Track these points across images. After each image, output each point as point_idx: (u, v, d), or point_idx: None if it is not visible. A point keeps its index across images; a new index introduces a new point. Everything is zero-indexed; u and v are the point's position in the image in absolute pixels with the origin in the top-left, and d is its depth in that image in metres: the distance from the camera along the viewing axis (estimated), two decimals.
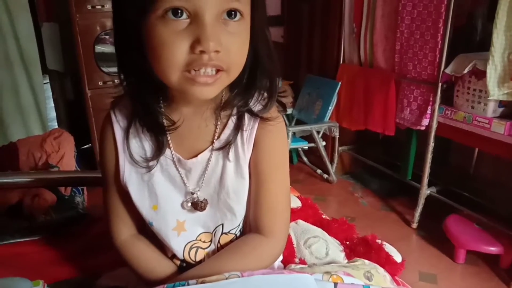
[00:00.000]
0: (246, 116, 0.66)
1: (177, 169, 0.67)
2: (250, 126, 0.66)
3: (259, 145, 0.67)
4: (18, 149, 1.81)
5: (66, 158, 1.86)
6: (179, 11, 0.53)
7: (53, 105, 3.20)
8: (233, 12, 0.56)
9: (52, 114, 3.25)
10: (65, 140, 1.95)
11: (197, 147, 0.67)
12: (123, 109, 0.67)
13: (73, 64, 2.71)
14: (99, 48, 2.58)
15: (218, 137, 0.66)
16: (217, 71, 0.56)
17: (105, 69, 2.55)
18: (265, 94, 0.66)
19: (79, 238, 1.12)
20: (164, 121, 0.64)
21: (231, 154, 0.66)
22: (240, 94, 0.65)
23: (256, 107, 0.66)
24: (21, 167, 1.75)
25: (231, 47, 0.56)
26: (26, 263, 0.96)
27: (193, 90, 0.57)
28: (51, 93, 3.16)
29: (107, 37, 2.71)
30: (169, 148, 0.66)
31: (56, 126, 3.10)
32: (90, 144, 2.73)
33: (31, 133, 2.77)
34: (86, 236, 1.13)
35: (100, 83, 2.56)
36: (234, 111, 0.66)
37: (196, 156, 0.67)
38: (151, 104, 0.63)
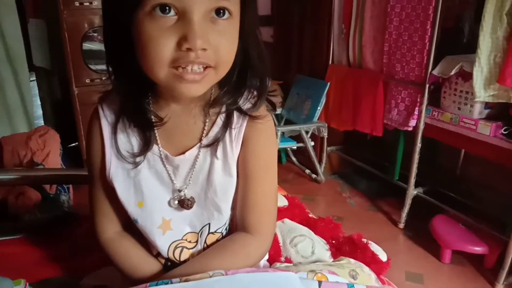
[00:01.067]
0: (235, 114, 0.66)
1: (165, 166, 0.67)
2: (239, 124, 0.66)
3: (247, 143, 0.67)
4: (2, 146, 1.78)
5: (52, 156, 1.84)
6: (167, 7, 0.53)
7: (39, 103, 3.16)
8: (221, 11, 0.55)
9: (39, 112, 3.21)
10: (50, 138, 1.92)
11: (185, 144, 0.67)
12: (111, 104, 0.66)
13: (60, 61, 2.67)
14: (87, 46, 2.55)
15: (206, 134, 0.66)
16: (205, 68, 0.56)
17: (92, 67, 2.52)
18: (255, 93, 0.66)
19: (64, 237, 1.10)
20: (152, 117, 0.64)
21: (219, 152, 0.66)
22: (230, 92, 0.65)
23: (245, 105, 0.66)
24: (6, 165, 1.73)
25: (219, 45, 0.56)
26: (8, 262, 0.94)
27: (181, 87, 0.57)
28: (37, 91, 3.13)
29: (95, 34, 2.68)
30: (157, 144, 0.66)
31: (43, 124, 3.06)
32: (76, 143, 2.70)
33: (16, 131, 2.72)
34: (71, 235, 1.11)
35: (87, 80, 2.53)
36: (223, 108, 0.66)
37: (183, 153, 0.66)
38: (139, 100, 0.63)
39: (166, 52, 0.54)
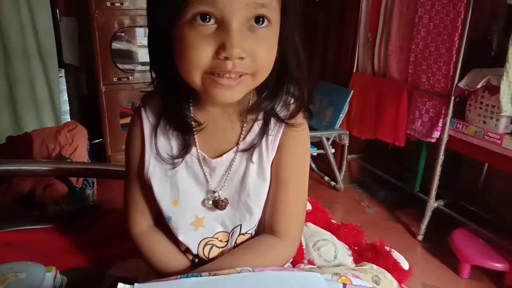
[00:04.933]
0: (272, 120, 0.67)
1: (202, 167, 0.69)
2: (275, 131, 0.68)
3: (282, 149, 0.68)
4: (32, 139, 1.84)
5: (79, 151, 1.89)
6: (207, 16, 0.54)
7: (66, 98, 3.24)
8: (261, 19, 0.56)
9: (65, 107, 3.28)
10: (78, 133, 1.98)
11: (222, 147, 0.68)
12: (152, 106, 0.69)
13: (88, 59, 2.74)
14: (116, 45, 2.62)
15: (243, 139, 0.68)
16: (240, 75, 0.58)
17: (120, 66, 2.58)
18: (292, 101, 0.67)
19: (90, 229, 1.14)
20: (192, 120, 0.66)
21: (255, 156, 0.68)
22: (267, 99, 0.66)
23: (282, 112, 0.67)
24: (35, 157, 1.78)
25: (257, 53, 0.57)
26: (39, 249, 0.98)
27: (215, 93, 0.58)
28: (65, 87, 3.21)
29: (122, 34, 2.75)
30: (195, 146, 0.68)
31: (69, 119, 3.14)
32: (101, 139, 2.76)
33: (43, 125, 2.80)
34: (97, 227, 1.15)
35: (114, 79, 2.58)
36: (260, 115, 0.68)
37: (221, 155, 0.68)
38: (179, 105, 0.65)
39: (204, 59, 0.55)
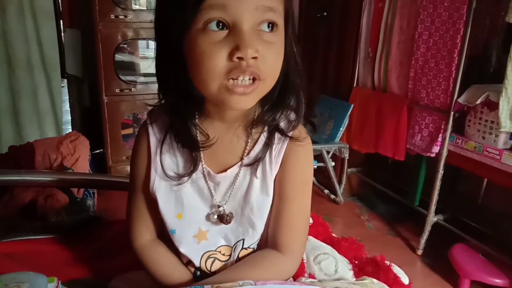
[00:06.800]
0: (276, 135, 0.68)
1: (206, 182, 0.69)
2: (279, 146, 0.68)
3: (286, 164, 0.69)
4: (34, 149, 1.85)
5: (81, 161, 1.90)
6: (220, 24, 0.56)
7: (68, 108, 3.26)
8: (270, 24, 0.58)
9: (67, 117, 3.31)
10: (81, 143, 1.99)
11: (227, 161, 0.69)
12: (160, 122, 0.69)
13: (91, 70, 2.77)
14: (119, 57, 2.65)
15: (248, 153, 0.68)
16: (254, 80, 0.58)
17: (122, 77, 2.61)
18: (293, 112, 0.68)
19: (91, 240, 1.14)
20: (198, 136, 0.66)
21: (259, 171, 0.68)
22: (270, 110, 0.67)
23: (286, 126, 0.68)
24: (37, 167, 1.79)
25: (267, 55, 0.58)
26: (40, 260, 0.98)
27: (231, 100, 0.59)
28: (67, 97, 3.23)
29: (125, 46, 2.78)
30: (201, 161, 0.68)
31: (70, 129, 3.16)
32: (101, 149, 2.77)
33: (45, 135, 2.82)
34: (98, 239, 1.16)
35: (117, 90, 2.60)
36: (265, 128, 0.68)
37: (225, 170, 0.69)
38: (187, 119, 0.65)
39: (219, 63, 0.56)
